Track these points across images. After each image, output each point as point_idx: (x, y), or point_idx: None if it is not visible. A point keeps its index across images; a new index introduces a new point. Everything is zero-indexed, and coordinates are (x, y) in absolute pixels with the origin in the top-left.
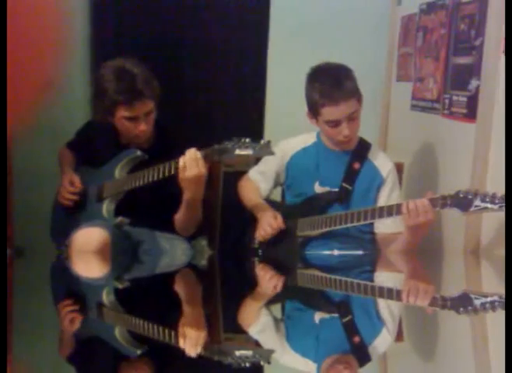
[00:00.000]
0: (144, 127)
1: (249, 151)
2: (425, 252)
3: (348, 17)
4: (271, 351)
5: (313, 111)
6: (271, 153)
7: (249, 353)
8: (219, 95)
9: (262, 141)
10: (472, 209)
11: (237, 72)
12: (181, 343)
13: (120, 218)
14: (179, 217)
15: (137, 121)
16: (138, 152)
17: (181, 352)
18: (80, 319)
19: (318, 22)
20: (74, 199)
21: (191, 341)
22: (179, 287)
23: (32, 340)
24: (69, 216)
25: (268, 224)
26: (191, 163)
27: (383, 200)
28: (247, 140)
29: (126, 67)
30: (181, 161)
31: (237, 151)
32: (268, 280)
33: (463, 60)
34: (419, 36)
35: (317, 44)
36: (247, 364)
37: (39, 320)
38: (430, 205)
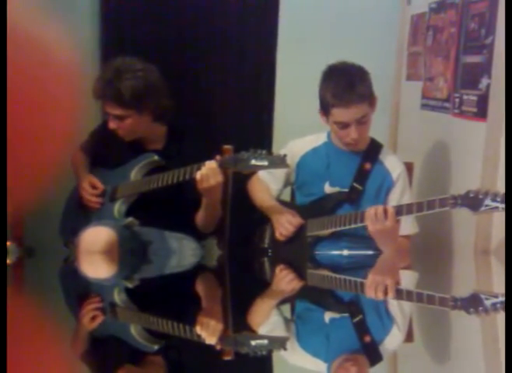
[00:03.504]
0: (113, 125)
1: (264, 163)
2: (435, 251)
3: (358, 16)
4: (286, 338)
5: (324, 110)
6: (286, 166)
7: (264, 341)
8: (229, 95)
9: (278, 154)
10: (483, 209)
11: (246, 72)
12: (197, 335)
13: (130, 219)
14: (200, 217)
15: (108, 118)
16: (156, 157)
17: (196, 347)
18: (101, 318)
19: (328, 21)
20: (99, 201)
21: (207, 331)
22: (188, 287)
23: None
24: (80, 214)
25: (288, 221)
26: (209, 175)
27: (394, 203)
28: (264, 151)
29: (113, 67)
30: (199, 173)
31: (253, 162)
32: (287, 283)
33: (473, 58)
34: (429, 35)
35: (327, 43)
36: (263, 353)
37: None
38: (393, 213)
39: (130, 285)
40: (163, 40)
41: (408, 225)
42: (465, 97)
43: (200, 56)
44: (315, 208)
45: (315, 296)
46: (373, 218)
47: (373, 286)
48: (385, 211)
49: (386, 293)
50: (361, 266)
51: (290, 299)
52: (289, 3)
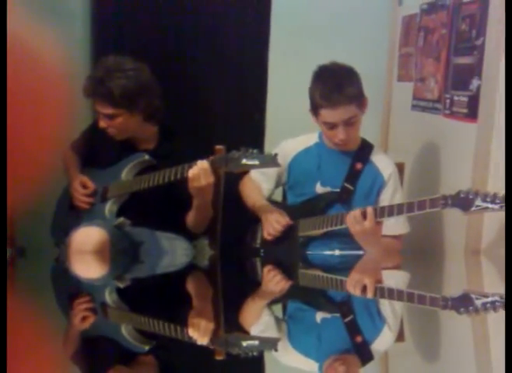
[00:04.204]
0: (103, 124)
1: (255, 162)
2: (426, 252)
3: (350, 17)
4: (277, 339)
5: (314, 110)
6: (277, 166)
7: (255, 342)
8: (220, 95)
9: (269, 153)
10: (473, 209)
11: (238, 73)
12: (188, 335)
13: (121, 219)
14: (190, 218)
15: (99, 117)
16: (147, 156)
17: (187, 347)
18: (92, 318)
19: (319, 22)
20: (90, 201)
21: (199, 332)
22: (180, 287)
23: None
24: (71, 214)
25: (276, 221)
26: (201, 174)
27: (386, 203)
28: (255, 151)
29: (104, 66)
30: (191, 172)
31: (244, 161)
32: (275, 284)
33: (464, 60)
34: (420, 37)
35: (318, 44)
36: (255, 354)
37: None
38: (371, 214)
39: (121, 285)
40: (156, 40)
41: (399, 225)
42: (456, 98)
43: (192, 57)
44: (306, 208)
45: (307, 296)
46: (351, 221)
47: (351, 284)
48: (364, 213)
49: (364, 291)
50: (353, 266)
51: (282, 299)
52: (280, 4)
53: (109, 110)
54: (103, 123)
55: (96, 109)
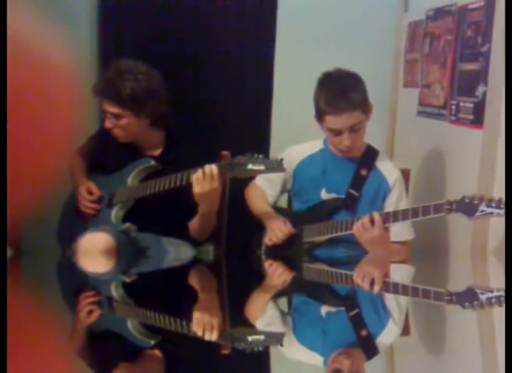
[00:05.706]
0: (109, 124)
1: (261, 167)
2: (432, 254)
3: (356, 23)
4: (282, 334)
5: (318, 117)
6: (283, 171)
7: (261, 337)
8: (226, 101)
9: (275, 159)
10: (478, 214)
11: (244, 78)
12: (194, 330)
13: (127, 225)
14: (194, 225)
15: (105, 117)
16: (153, 162)
17: (192, 341)
18: (98, 312)
19: (325, 28)
20: (95, 207)
21: (204, 326)
22: (185, 282)
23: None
24: (77, 219)
25: (279, 229)
26: (205, 179)
27: (391, 209)
28: (260, 156)
29: (116, 67)
30: (194, 176)
31: (249, 166)
32: (278, 276)
33: (470, 66)
34: (426, 43)
35: (324, 50)
36: (260, 349)
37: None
38: (379, 221)
39: (127, 279)
40: (162, 45)
41: (404, 231)
42: (462, 104)
43: (198, 61)
44: (312, 214)
45: (312, 290)
46: (360, 228)
47: (359, 277)
48: (372, 219)
49: (372, 285)
50: (358, 261)
51: (287, 293)
52: (286, 9)
53: (115, 109)
54: (108, 123)
55: (103, 109)
